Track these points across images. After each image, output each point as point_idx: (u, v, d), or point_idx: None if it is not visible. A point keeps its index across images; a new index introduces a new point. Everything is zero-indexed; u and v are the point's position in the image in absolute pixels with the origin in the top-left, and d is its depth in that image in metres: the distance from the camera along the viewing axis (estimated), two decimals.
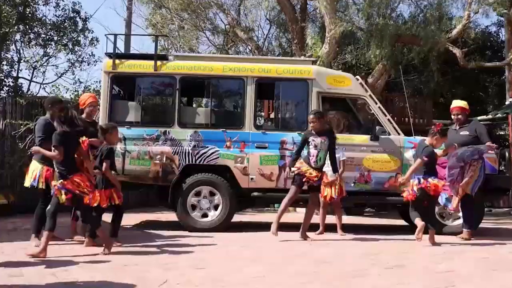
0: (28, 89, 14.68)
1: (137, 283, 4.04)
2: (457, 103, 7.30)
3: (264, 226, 6.49)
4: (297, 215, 11.31)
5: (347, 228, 7.57)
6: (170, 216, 9.39)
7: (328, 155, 6.58)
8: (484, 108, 18.02)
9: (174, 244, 5.99)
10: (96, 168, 5.81)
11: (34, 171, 5.90)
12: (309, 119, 6.63)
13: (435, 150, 6.58)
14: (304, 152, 6.69)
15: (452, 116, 7.29)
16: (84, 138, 6.18)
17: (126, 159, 7.50)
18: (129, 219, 9.23)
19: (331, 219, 7.72)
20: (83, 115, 6.54)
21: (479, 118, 16.24)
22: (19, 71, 14.52)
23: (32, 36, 14.29)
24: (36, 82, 15.01)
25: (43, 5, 14.47)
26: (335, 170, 6.72)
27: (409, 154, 7.56)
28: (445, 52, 13.88)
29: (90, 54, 15.63)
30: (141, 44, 44.10)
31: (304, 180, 6.51)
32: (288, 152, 7.51)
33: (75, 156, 5.45)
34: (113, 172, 6.02)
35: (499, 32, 20.71)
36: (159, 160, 7.47)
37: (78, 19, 14.83)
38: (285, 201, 6.58)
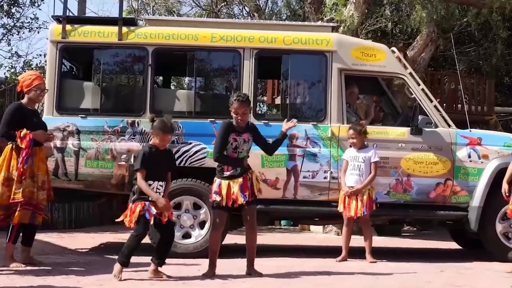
0: None
1: None
2: None
3: (267, 250, 6.51)
4: (309, 235, 11.34)
5: (378, 253, 7.59)
6: None
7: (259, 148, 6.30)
8: None
9: (145, 275, 6.00)
10: None
11: None
12: (234, 107, 6.02)
13: None
14: None
15: None
16: (24, 131, 6.20)
17: (80, 160, 7.50)
18: (85, 241, 9.23)
19: (357, 241, 7.73)
20: (24, 101, 6.55)
21: None
22: None
23: None
24: None
25: None
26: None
27: (462, 152, 7.57)
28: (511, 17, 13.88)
29: (32, 18, 15.61)
30: (101, 4, 44.07)
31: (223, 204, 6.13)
32: (299, 150, 7.53)
33: None
34: None
35: None
36: (125, 161, 7.48)
37: None
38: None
